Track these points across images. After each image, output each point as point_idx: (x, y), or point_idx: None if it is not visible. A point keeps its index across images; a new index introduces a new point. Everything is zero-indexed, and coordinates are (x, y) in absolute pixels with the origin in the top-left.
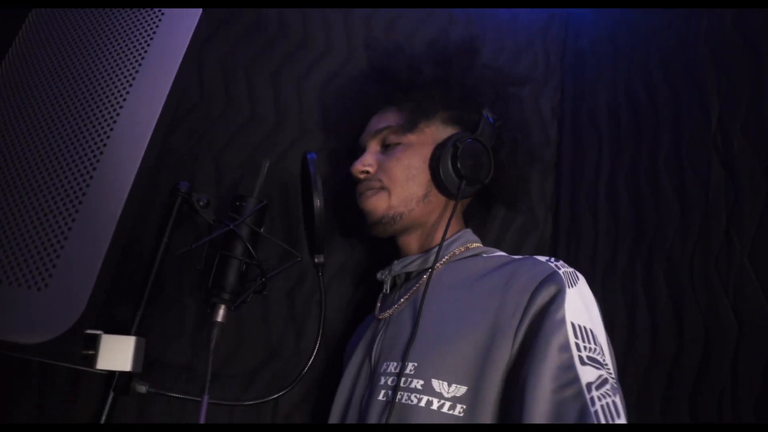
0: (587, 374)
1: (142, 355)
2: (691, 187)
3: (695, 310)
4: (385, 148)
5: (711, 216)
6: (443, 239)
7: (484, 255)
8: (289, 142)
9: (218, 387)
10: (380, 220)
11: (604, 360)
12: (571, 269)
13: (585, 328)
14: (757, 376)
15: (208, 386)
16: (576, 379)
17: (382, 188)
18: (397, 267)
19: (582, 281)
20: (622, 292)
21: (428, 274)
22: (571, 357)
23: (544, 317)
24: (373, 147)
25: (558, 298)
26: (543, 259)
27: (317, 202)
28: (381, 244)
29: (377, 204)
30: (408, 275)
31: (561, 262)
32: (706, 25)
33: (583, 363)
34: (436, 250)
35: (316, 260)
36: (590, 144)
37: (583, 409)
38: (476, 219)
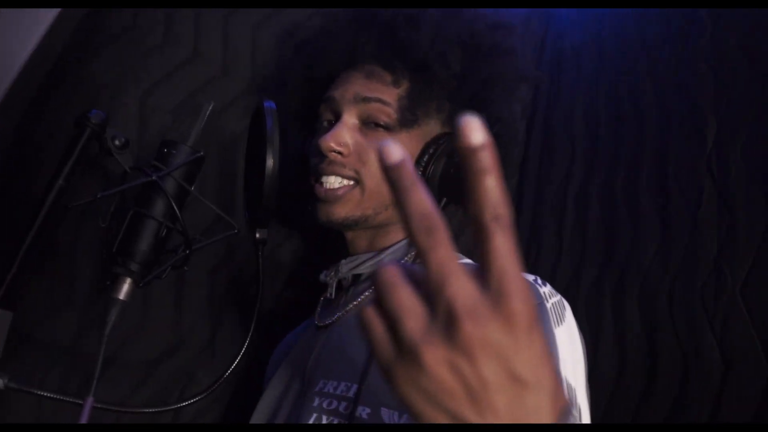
0: None
1: (3, 336)
2: (676, 210)
3: (673, 344)
4: (366, 124)
5: (699, 244)
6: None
7: None
8: (235, 94)
9: (107, 377)
10: (342, 222)
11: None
12: (557, 297)
13: (571, 386)
14: (746, 420)
15: (96, 384)
16: None
17: (355, 182)
18: (345, 268)
19: (568, 313)
20: (586, 315)
21: None
22: None
23: None
24: (351, 119)
25: (550, 343)
26: (529, 278)
27: (270, 163)
28: (323, 235)
29: (345, 206)
30: (356, 277)
31: (548, 287)
32: (707, 43)
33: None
34: (391, 250)
35: (258, 235)
36: (562, 150)
37: None
38: None
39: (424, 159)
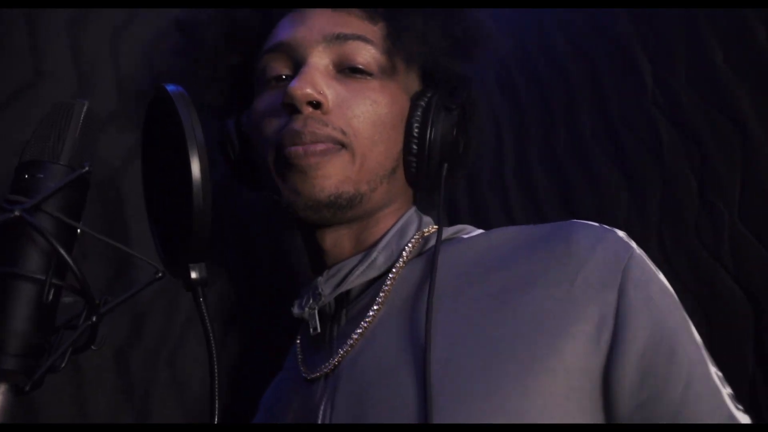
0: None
1: None
2: (635, 154)
3: (682, 291)
4: (341, 70)
5: (675, 182)
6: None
7: (464, 236)
8: (107, 109)
9: None
10: (334, 201)
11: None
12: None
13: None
14: None
15: None
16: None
17: (341, 146)
18: (327, 287)
19: None
20: None
21: (432, 270)
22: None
23: (663, 321)
24: (322, 61)
25: (666, 289)
26: (595, 225)
27: (197, 166)
28: (281, 255)
29: (335, 174)
30: (343, 296)
31: (620, 231)
32: None
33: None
34: (381, 246)
35: (193, 274)
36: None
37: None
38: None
39: (417, 115)
